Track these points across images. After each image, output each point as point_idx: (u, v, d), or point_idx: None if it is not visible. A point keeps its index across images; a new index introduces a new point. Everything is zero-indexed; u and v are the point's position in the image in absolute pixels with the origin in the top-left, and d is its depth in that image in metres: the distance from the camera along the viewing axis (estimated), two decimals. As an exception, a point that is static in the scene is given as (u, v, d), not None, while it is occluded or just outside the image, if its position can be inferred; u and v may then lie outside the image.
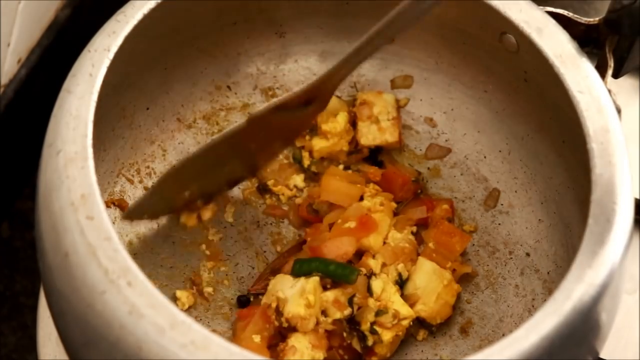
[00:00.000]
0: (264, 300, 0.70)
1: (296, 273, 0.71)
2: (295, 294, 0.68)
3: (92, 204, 0.58)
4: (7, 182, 0.87)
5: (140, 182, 0.76)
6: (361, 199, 0.75)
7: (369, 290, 0.71)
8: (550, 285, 0.72)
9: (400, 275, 0.72)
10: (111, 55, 0.64)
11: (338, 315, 0.69)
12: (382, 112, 0.78)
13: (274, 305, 0.69)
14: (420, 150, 0.80)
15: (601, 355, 0.64)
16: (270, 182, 0.78)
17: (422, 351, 0.72)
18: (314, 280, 0.69)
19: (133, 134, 0.75)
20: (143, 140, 0.76)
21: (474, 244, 0.76)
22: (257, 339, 0.68)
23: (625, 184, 0.62)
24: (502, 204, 0.77)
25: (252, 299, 0.74)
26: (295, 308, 0.68)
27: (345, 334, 0.69)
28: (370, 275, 0.72)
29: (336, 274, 0.70)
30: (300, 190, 0.78)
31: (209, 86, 0.79)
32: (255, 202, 0.78)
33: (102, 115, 0.64)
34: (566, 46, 0.67)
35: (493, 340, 0.72)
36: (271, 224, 0.77)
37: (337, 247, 0.72)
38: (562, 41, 0.68)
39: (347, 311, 0.69)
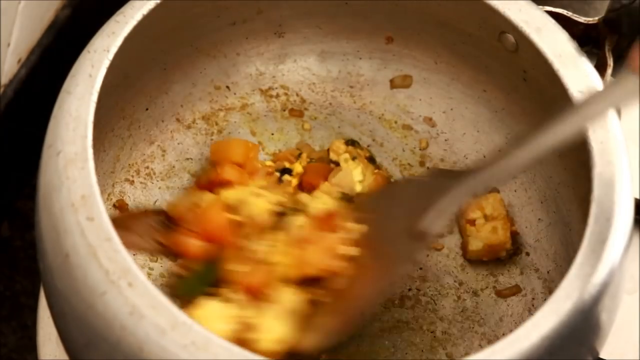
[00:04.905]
0: None
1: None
2: None
3: (92, 205, 0.58)
4: (7, 182, 0.87)
5: (141, 182, 0.76)
6: None
7: None
8: (550, 285, 0.72)
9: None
10: (111, 55, 0.64)
11: None
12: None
13: None
14: (420, 150, 0.80)
15: (601, 355, 0.64)
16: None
17: (422, 350, 0.72)
18: None
19: (132, 135, 0.75)
20: (142, 140, 0.77)
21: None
22: None
23: (625, 184, 0.62)
24: (501, 204, 0.77)
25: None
26: None
27: None
28: None
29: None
30: None
31: (208, 86, 0.79)
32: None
33: (102, 116, 0.64)
34: (565, 46, 0.67)
35: (493, 340, 0.72)
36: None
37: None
38: (561, 41, 0.68)
39: None
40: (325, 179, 0.77)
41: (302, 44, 0.80)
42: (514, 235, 0.75)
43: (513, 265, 0.75)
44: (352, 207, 0.71)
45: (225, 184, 0.72)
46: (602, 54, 0.70)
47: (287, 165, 0.77)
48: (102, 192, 0.61)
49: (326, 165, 0.78)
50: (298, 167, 0.76)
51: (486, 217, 0.75)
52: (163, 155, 0.77)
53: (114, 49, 0.64)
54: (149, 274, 0.72)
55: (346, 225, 0.69)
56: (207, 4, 0.73)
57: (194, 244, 0.69)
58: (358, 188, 0.76)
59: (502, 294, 0.74)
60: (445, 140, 0.80)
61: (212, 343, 0.54)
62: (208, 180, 0.73)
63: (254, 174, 0.74)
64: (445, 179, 0.64)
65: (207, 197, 0.72)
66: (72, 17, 0.86)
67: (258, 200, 0.71)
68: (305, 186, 0.76)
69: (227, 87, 0.80)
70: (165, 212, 0.72)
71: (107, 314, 0.55)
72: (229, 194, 0.71)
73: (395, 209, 0.68)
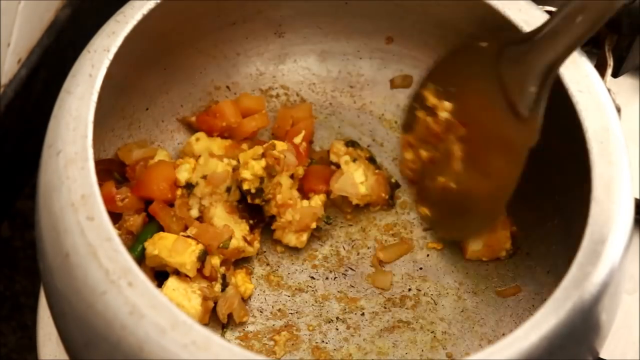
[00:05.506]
0: None
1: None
2: None
3: (93, 204, 0.58)
4: (7, 182, 0.87)
5: (140, 182, 0.76)
6: None
7: None
8: (550, 285, 0.72)
9: None
10: (111, 55, 0.64)
11: None
12: None
13: None
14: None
15: (601, 355, 0.64)
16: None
17: (422, 350, 0.72)
18: None
19: (133, 135, 0.75)
20: (142, 140, 0.76)
21: (473, 244, 0.77)
22: None
23: (625, 184, 0.62)
24: (501, 204, 0.77)
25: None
26: None
27: None
28: None
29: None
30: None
31: (208, 86, 0.79)
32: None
33: (102, 115, 0.64)
34: (565, 46, 0.67)
35: (493, 340, 0.72)
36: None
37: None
38: (561, 41, 0.68)
39: None
40: (327, 183, 0.77)
41: (302, 44, 0.80)
42: (514, 235, 0.75)
43: (513, 265, 0.75)
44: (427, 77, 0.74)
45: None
46: (602, 54, 0.70)
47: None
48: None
49: (327, 168, 0.78)
50: (300, 170, 0.75)
51: None
52: (163, 156, 0.77)
53: (114, 49, 0.65)
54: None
55: (431, 100, 0.71)
56: (207, 4, 0.73)
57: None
58: (361, 190, 0.76)
59: (502, 294, 0.74)
60: (445, 140, 0.80)
61: (212, 343, 0.54)
62: None
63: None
64: (516, 46, 0.66)
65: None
66: (72, 17, 0.86)
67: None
68: (306, 192, 0.76)
69: (227, 87, 0.80)
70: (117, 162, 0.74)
71: (107, 313, 0.55)
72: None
73: (480, 82, 0.68)
